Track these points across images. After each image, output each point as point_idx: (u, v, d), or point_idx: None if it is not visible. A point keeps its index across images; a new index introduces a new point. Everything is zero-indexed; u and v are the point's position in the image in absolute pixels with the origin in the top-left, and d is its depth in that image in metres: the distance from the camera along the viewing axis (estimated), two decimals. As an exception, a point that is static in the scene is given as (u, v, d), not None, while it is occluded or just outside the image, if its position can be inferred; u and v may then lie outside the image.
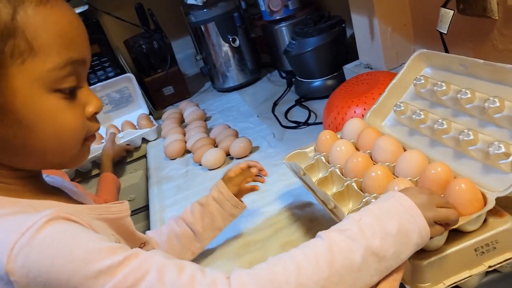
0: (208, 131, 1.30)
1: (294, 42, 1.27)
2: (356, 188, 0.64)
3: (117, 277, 0.39)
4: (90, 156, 1.25)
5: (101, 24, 1.55)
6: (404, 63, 0.75)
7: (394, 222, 0.45)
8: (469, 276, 0.51)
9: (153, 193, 1.11)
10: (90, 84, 1.00)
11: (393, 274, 0.46)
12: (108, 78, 1.53)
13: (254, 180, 0.79)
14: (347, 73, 1.21)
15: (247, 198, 0.87)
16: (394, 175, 0.64)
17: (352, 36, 1.22)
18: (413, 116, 0.69)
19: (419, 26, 1.04)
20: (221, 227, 0.75)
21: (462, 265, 0.51)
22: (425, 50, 0.73)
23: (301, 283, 0.41)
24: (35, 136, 0.43)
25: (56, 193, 0.52)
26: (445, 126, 0.62)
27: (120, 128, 1.44)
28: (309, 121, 1.18)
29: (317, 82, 1.29)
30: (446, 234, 0.50)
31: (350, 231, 0.45)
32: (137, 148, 1.40)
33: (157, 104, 1.66)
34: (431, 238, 0.47)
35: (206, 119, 1.44)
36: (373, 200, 0.59)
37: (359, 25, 1.14)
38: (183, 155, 1.23)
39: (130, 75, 1.49)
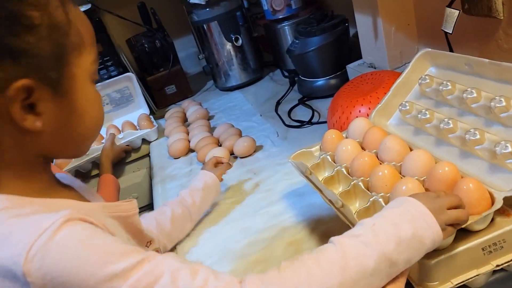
0: (211, 130, 1.30)
1: (297, 41, 1.27)
2: (363, 187, 0.64)
3: (130, 280, 0.39)
4: (90, 156, 1.27)
5: (104, 23, 1.56)
6: (408, 63, 0.76)
7: (409, 228, 0.45)
8: (477, 275, 0.51)
9: (157, 192, 1.11)
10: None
11: (398, 276, 0.46)
12: (111, 77, 1.52)
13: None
14: (351, 72, 1.21)
15: (250, 198, 0.87)
16: (400, 174, 0.64)
17: (355, 35, 1.22)
18: (419, 115, 0.69)
19: (423, 26, 1.04)
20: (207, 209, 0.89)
21: (469, 264, 0.51)
22: (430, 50, 0.73)
23: None
24: (83, 124, 0.47)
25: (67, 189, 0.53)
26: (451, 125, 0.63)
27: (120, 128, 1.43)
28: (312, 120, 1.18)
29: (320, 81, 1.29)
30: (454, 233, 0.50)
31: (363, 237, 0.45)
32: (137, 149, 1.39)
33: (159, 103, 1.66)
34: None
35: (209, 118, 1.44)
36: (380, 199, 0.60)
37: (363, 24, 1.14)
38: (186, 154, 1.23)
39: (130, 74, 1.48)
